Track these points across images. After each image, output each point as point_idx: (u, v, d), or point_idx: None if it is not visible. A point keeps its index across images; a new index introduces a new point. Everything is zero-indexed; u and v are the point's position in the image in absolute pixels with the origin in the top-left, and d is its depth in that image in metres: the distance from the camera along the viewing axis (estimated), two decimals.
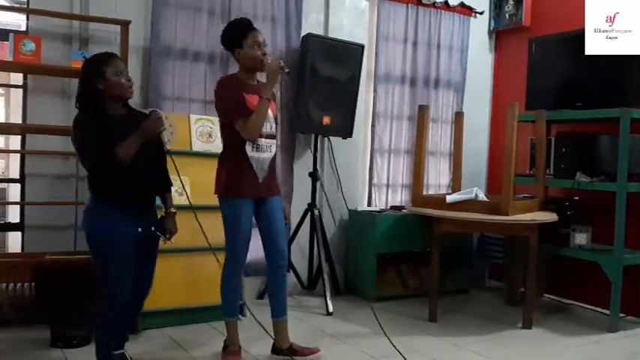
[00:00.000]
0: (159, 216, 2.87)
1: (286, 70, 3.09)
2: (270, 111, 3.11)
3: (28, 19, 3.88)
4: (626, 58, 4.00)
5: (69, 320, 3.33)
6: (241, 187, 3.08)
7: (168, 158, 2.81)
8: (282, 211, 3.28)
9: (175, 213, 2.88)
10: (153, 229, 2.75)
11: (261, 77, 3.23)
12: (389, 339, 3.30)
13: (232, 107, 3.03)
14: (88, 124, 2.58)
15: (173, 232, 2.86)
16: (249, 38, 3.07)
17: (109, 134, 2.54)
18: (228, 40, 3.14)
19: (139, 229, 2.67)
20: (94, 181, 2.66)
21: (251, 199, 3.12)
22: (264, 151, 3.12)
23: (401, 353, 3.21)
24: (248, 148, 3.06)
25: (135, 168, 2.58)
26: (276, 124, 3.28)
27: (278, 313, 3.26)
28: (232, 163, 3.09)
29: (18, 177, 3.95)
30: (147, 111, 2.77)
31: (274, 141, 3.22)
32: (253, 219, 3.19)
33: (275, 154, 3.23)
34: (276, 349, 3.26)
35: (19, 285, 3.63)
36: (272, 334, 3.22)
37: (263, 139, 3.10)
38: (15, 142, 4.05)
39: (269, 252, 3.23)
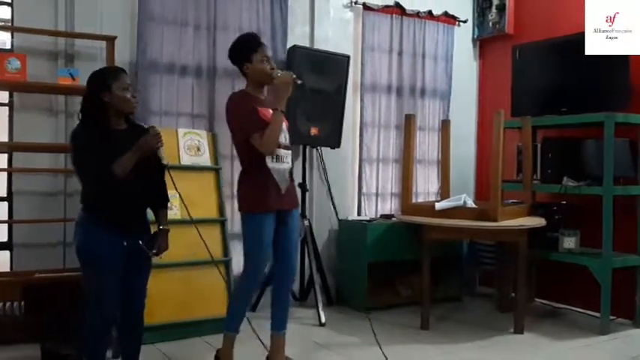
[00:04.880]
0: (152, 231, 2.84)
1: (299, 82, 3.10)
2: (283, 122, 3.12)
3: (12, 36, 3.87)
4: (609, 63, 4.05)
5: (60, 338, 3.29)
6: (267, 200, 3.07)
7: (166, 173, 2.81)
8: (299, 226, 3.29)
9: (168, 230, 2.86)
10: (140, 242, 2.71)
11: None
12: (382, 351, 3.29)
13: (248, 121, 3.03)
14: (86, 136, 2.58)
15: (162, 249, 2.83)
16: (258, 53, 3.09)
17: (108, 148, 2.54)
18: (238, 54, 3.15)
19: (125, 243, 2.65)
20: (85, 193, 2.65)
21: (274, 213, 3.11)
22: (283, 162, 3.13)
23: None
24: (268, 159, 3.06)
25: (126, 182, 2.57)
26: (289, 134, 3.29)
27: (279, 325, 3.23)
28: (255, 177, 3.09)
29: (5, 195, 3.92)
30: (146, 125, 2.77)
31: (290, 152, 3.22)
32: None
33: (292, 165, 3.24)
34: None
35: (8, 304, 3.59)
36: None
37: (281, 150, 3.11)
38: (2, 159, 4.03)
39: (280, 266, 3.21)
